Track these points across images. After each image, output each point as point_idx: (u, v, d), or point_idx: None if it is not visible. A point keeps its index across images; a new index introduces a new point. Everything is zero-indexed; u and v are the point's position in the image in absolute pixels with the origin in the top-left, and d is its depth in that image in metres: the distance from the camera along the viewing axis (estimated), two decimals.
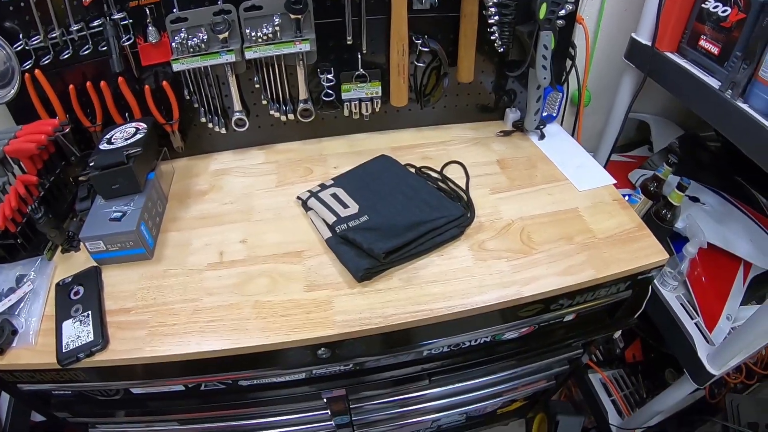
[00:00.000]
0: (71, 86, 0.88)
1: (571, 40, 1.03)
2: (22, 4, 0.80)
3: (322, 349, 0.73)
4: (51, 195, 0.89)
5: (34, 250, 0.84)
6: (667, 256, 0.82)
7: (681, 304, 1.06)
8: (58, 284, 0.79)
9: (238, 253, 0.82)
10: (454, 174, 0.97)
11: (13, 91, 0.87)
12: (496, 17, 0.91)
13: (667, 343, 1.09)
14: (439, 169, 0.98)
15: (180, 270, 0.80)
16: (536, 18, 0.90)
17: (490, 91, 1.09)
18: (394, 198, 0.85)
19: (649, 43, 1.02)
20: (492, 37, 0.94)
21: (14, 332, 0.72)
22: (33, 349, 0.71)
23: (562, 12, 0.90)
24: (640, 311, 0.95)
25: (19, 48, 0.84)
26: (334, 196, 0.86)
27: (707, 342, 0.99)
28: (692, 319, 1.03)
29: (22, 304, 0.77)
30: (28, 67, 0.85)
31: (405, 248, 0.76)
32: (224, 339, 0.69)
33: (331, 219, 0.81)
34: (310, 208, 0.87)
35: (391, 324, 0.70)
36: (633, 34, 1.07)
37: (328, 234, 0.81)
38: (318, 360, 0.75)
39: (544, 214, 0.88)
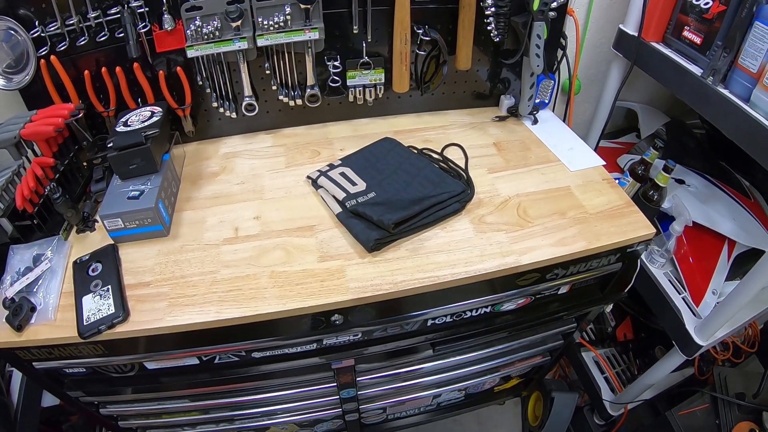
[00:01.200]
0: (86, 72, 0.91)
1: (563, 31, 1.09)
2: None
3: (336, 315, 0.77)
4: (65, 178, 0.91)
5: (50, 231, 0.87)
6: (654, 230, 0.87)
7: (669, 280, 1.12)
8: (75, 262, 0.81)
9: (252, 229, 0.86)
10: (454, 155, 1.02)
11: (28, 77, 0.90)
12: (493, 8, 0.97)
13: (657, 318, 1.15)
14: (439, 151, 1.03)
15: (197, 245, 0.83)
16: (530, 9, 0.95)
17: (486, 79, 1.14)
18: (399, 176, 0.90)
19: (636, 34, 1.08)
20: (488, 27, 1.00)
21: (32, 309, 0.74)
22: (53, 324, 0.73)
23: (554, 4, 0.96)
24: (630, 286, 1.01)
25: (35, 35, 0.86)
26: (343, 174, 0.91)
27: (694, 315, 1.05)
28: (680, 294, 1.09)
29: (40, 282, 0.78)
30: (44, 53, 0.88)
31: (412, 220, 0.81)
32: (243, 307, 0.73)
33: (341, 195, 0.86)
34: (320, 186, 0.91)
35: (400, 290, 0.74)
36: (621, 25, 1.13)
37: (338, 209, 0.85)
38: (332, 327, 0.79)
39: (538, 192, 0.94)
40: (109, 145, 0.84)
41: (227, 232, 0.85)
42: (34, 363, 0.80)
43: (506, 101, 1.16)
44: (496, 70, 1.13)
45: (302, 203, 0.91)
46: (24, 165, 0.87)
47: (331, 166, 0.94)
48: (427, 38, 1.01)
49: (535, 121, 1.13)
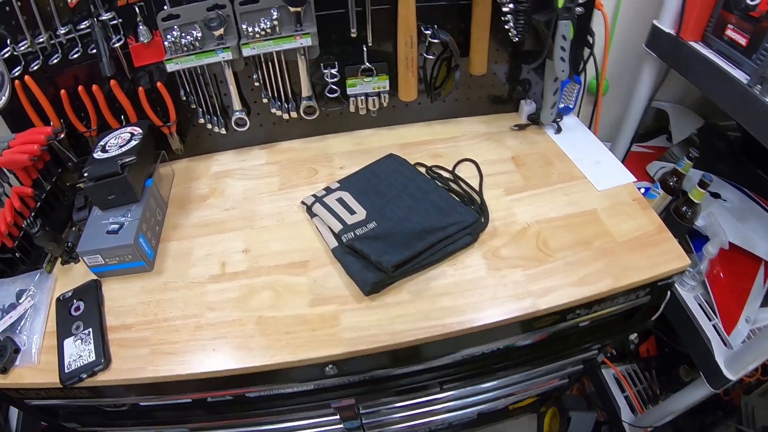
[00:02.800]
0: (63, 91, 0.84)
1: (590, 28, 0.96)
2: (7, 8, 0.75)
3: (330, 366, 0.70)
4: (48, 205, 0.86)
5: (34, 263, 0.83)
6: (689, 261, 0.78)
7: (699, 304, 1.02)
8: (58, 299, 0.77)
9: (240, 264, 0.79)
10: (467, 173, 0.92)
11: (4, 99, 0.84)
12: (511, 5, 0.85)
13: (684, 344, 1.06)
14: (450, 168, 0.93)
15: (181, 283, 0.77)
16: (554, 6, 0.83)
17: (504, 83, 1.03)
18: (403, 200, 0.81)
19: (672, 32, 0.96)
20: (506, 27, 0.88)
21: (17, 350, 0.71)
22: (36, 367, 0.70)
23: None
24: (658, 313, 0.91)
25: (7, 54, 0.80)
26: (340, 200, 0.83)
27: (725, 345, 0.96)
28: (710, 320, 0.99)
29: (23, 321, 0.75)
30: (17, 73, 0.81)
31: (415, 259, 0.73)
32: (228, 358, 0.67)
33: (338, 227, 0.78)
34: (315, 215, 0.83)
35: (400, 342, 0.67)
36: (655, 21, 1.00)
37: (334, 243, 0.77)
38: (325, 375, 0.72)
39: (560, 217, 0.84)
40: (84, 175, 0.77)
41: (214, 268, 0.79)
42: (26, 400, 0.77)
43: (526, 107, 1.04)
44: (514, 72, 1.01)
45: (296, 234, 0.83)
46: (6, 193, 0.82)
47: (328, 191, 0.86)
48: (437, 40, 0.90)
49: (559, 130, 1.02)
